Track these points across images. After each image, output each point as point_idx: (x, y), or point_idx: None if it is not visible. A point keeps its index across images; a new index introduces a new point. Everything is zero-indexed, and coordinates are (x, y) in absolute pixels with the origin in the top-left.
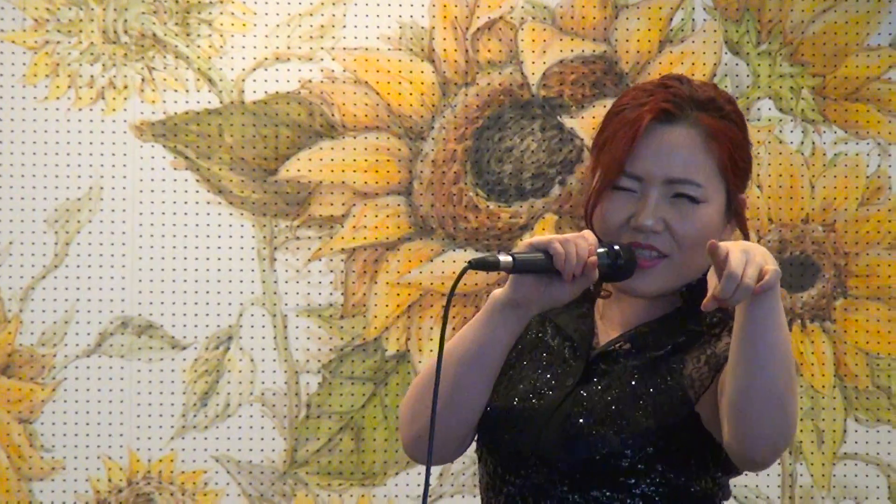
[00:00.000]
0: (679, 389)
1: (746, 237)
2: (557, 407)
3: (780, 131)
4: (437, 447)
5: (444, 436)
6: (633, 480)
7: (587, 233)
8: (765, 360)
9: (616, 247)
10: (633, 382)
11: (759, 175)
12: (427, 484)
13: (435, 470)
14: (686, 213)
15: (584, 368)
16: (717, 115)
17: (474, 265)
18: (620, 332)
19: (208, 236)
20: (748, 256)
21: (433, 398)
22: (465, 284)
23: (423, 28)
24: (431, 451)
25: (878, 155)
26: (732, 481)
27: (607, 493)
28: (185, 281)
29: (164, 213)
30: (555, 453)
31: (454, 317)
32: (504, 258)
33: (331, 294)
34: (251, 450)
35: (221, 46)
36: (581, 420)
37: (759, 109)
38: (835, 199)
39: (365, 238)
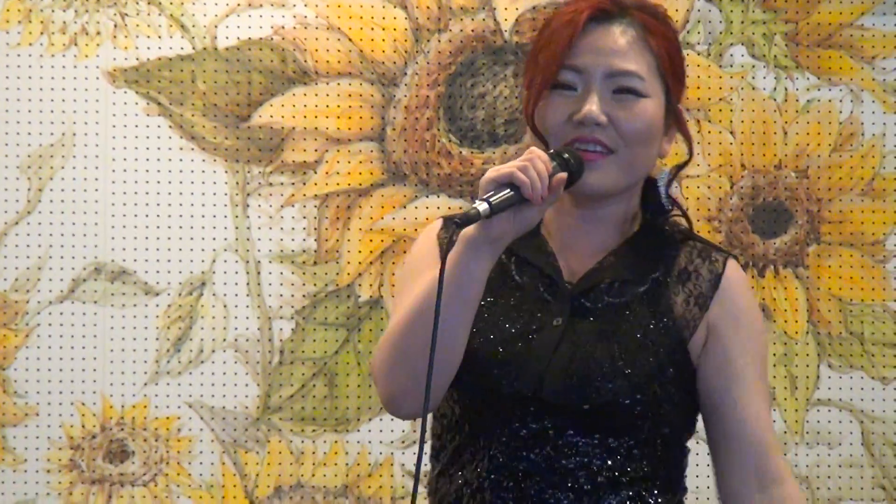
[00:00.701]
0: (675, 330)
1: (690, 145)
2: (555, 349)
3: (753, 78)
4: (418, 395)
5: (432, 387)
6: (639, 422)
7: (535, 150)
8: None
9: (564, 154)
10: (631, 322)
11: (731, 121)
12: (420, 454)
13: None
14: (629, 106)
15: (570, 306)
16: (651, 16)
17: (460, 224)
18: (584, 260)
19: (181, 182)
20: None
21: (429, 360)
22: (414, 228)
23: None
24: (427, 406)
25: (851, 101)
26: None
27: (611, 438)
28: (158, 227)
29: (136, 160)
30: (561, 399)
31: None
32: (482, 206)
33: (304, 240)
34: (224, 396)
35: None
36: (588, 365)
37: (731, 56)
38: (808, 145)
39: (338, 184)
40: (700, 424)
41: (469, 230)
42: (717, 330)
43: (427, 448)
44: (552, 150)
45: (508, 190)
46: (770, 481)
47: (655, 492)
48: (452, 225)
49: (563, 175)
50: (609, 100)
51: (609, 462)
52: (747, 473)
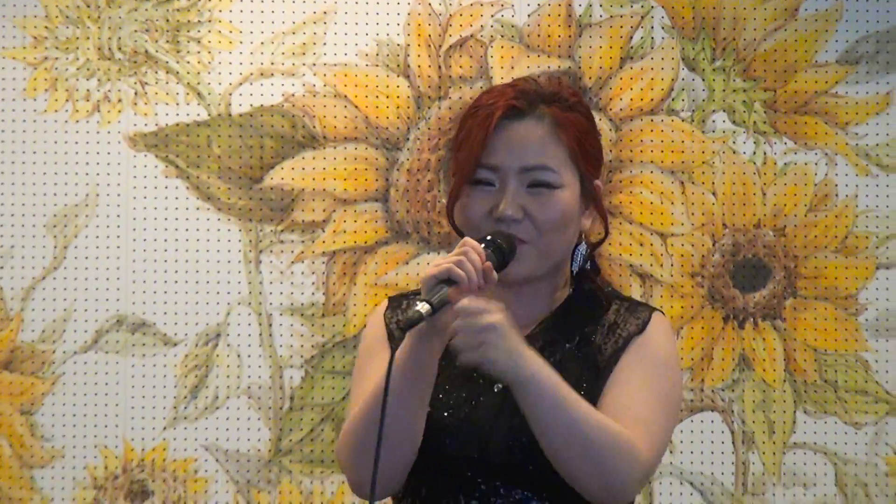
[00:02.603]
0: (603, 375)
1: (605, 221)
2: (498, 413)
3: (734, 142)
4: (387, 481)
5: (393, 469)
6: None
7: (468, 241)
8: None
9: (497, 240)
10: (564, 379)
11: (713, 183)
12: None
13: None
14: (544, 200)
15: None
16: (562, 107)
17: (405, 328)
18: (520, 331)
19: (198, 240)
20: None
21: (378, 441)
22: (416, 283)
23: (398, 45)
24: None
25: (826, 164)
26: (689, 469)
27: (558, 495)
28: (177, 282)
29: (156, 219)
30: (507, 460)
31: None
32: (424, 308)
33: (313, 294)
34: (238, 439)
35: (209, 62)
36: (525, 426)
37: (713, 122)
38: (785, 205)
39: (345, 242)
40: (693, 475)
41: (417, 329)
42: (626, 356)
43: None
44: (486, 237)
45: (445, 287)
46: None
47: None
48: (399, 329)
49: (489, 263)
50: (525, 193)
51: None
52: None
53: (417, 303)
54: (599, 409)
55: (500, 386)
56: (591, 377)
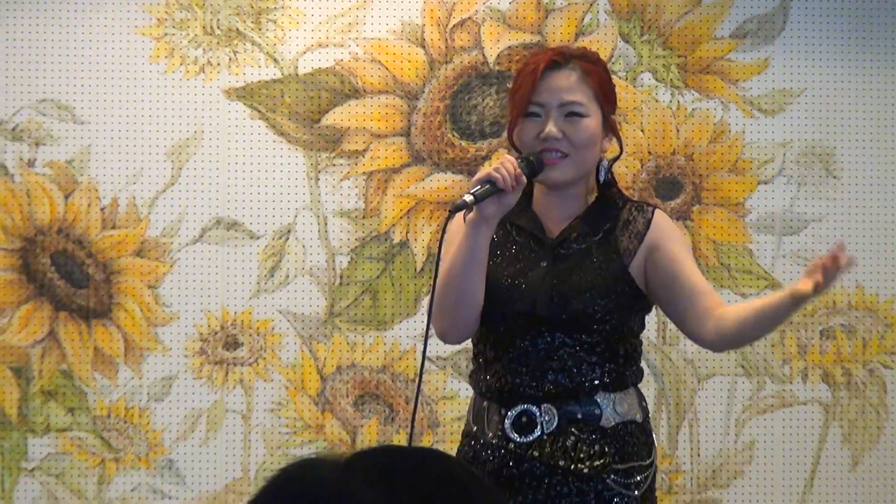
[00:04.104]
0: (619, 261)
1: (620, 144)
2: (542, 281)
3: (656, 94)
4: (459, 329)
5: (464, 321)
6: (603, 323)
7: (506, 157)
8: (773, 328)
9: (530, 157)
10: (593, 259)
11: (641, 123)
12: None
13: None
14: (577, 125)
15: (551, 253)
16: (588, 62)
17: (453, 210)
18: (560, 223)
19: (274, 164)
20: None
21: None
22: (430, 193)
23: (417, 24)
24: (426, 346)
25: (722, 110)
26: None
27: (585, 335)
28: (258, 193)
29: (245, 149)
30: (548, 313)
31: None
32: (468, 198)
33: (356, 202)
34: (303, 306)
35: (283, 37)
36: (565, 289)
37: (642, 79)
38: (693, 138)
39: (378, 165)
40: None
41: (470, 217)
42: (657, 246)
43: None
44: (521, 156)
45: (486, 185)
46: (713, 310)
47: (620, 366)
48: (450, 210)
49: (520, 171)
50: (563, 121)
51: (587, 351)
52: (701, 314)
53: (465, 196)
54: (674, 286)
55: (545, 263)
56: (610, 260)
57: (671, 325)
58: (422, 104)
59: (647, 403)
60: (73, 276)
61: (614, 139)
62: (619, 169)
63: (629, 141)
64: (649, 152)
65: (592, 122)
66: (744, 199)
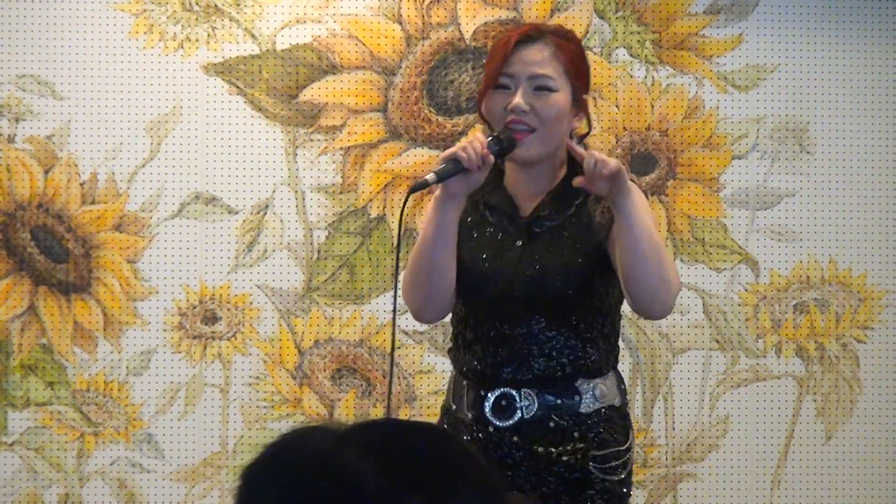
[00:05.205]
0: (594, 235)
1: (590, 123)
2: (518, 261)
3: (631, 69)
4: (433, 309)
5: (436, 299)
6: (581, 304)
7: (477, 135)
8: (637, 241)
9: (500, 135)
10: (567, 236)
11: (616, 98)
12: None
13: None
14: (545, 98)
15: (525, 231)
16: (561, 38)
17: (414, 189)
18: (531, 200)
19: (252, 139)
20: (599, 155)
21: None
22: (407, 169)
23: (394, 1)
24: (396, 319)
25: (696, 85)
26: None
27: (564, 316)
28: (237, 168)
29: (222, 124)
30: (526, 294)
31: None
32: (430, 177)
33: (333, 177)
34: (281, 280)
35: (261, 13)
36: (542, 270)
37: (617, 55)
38: (667, 114)
39: (356, 140)
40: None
41: (437, 195)
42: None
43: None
44: (492, 134)
45: (452, 163)
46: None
47: (599, 346)
48: (410, 188)
49: (486, 151)
50: (531, 94)
51: (566, 335)
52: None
53: (427, 174)
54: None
55: (520, 242)
56: (585, 234)
57: None
58: (399, 80)
59: (625, 386)
60: (52, 250)
61: (584, 118)
62: (594, 145)
63: (604, 116)
64: (624, 128)
65: (561, 97)
66: (718, 175)
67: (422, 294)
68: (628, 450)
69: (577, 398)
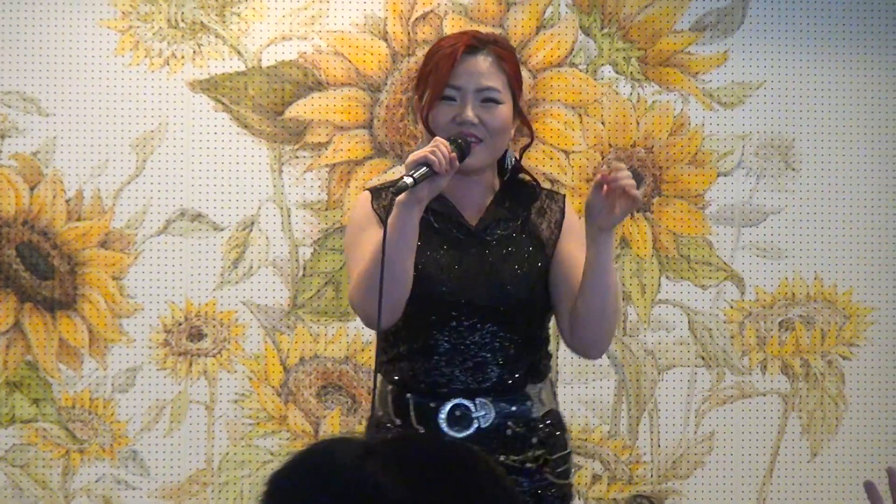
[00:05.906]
0: (542, 248)
1: (531, 130)
2: (479, 268)
3: (617, 86)
4: (388, 313)
5: (395, 304)
6: (532, 312)
7: (439, 139)
8: (608, 290)
9: (459, 140)
10: (520, 245)
11: (602, 115)
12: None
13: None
14: (492, 111)
15: (477, 239)
16: (502, 49)
17: (396, 193)
18: (472, 208)
19: (237, 156)
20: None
21: (380, 284)
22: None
23: (380, 17)
24: (380, 321)
25: (682, 102)
26: None
27: (516, 324)
28: (222, 185)
29: (209, 140)
30: (486, 302)
31: None
32: (409, 180)
33: (319, 194)
34: (266, 297)
35: (246, 30)
36: (500, 278)
37: (602, 72)
38: (653, 131)
39: (341, 157)
40: None
41: (401, 198)
42: (565, 239)
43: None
44: (451, 138)
45: (423, 167)
46: None
47: (541, 356)
48: (390, 193)
49: (454, 154)
50: (479, 106)
51: (514, 342)
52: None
53: (405, 178)
54: (569, 279)
55: (474, 251)
56: (535, 246)
57: (631, 316)
58: (384, 97)
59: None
60: (38, 267)
61: (522, 126)
62: (580, 161)
63: (590, 133)
64: (609, 145)
65: (506, 108)
66: (703, 191)
67: (375, 297)
68: (570, 454)
69: (528, 403)
